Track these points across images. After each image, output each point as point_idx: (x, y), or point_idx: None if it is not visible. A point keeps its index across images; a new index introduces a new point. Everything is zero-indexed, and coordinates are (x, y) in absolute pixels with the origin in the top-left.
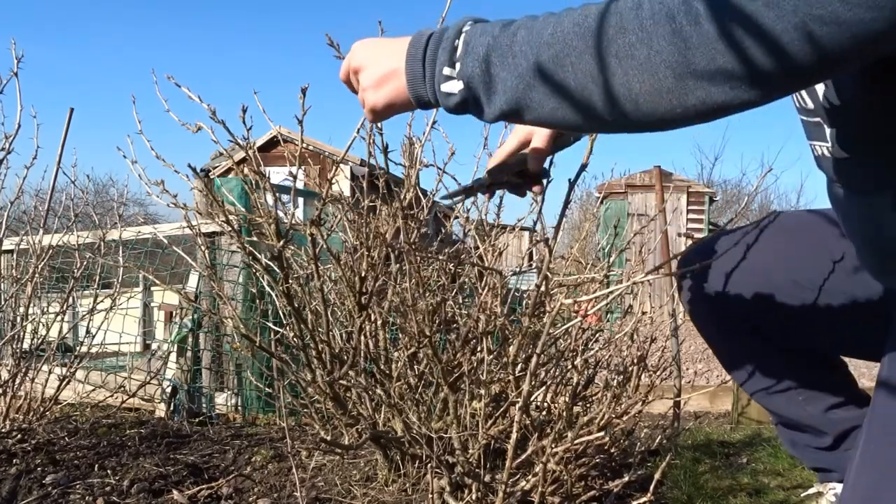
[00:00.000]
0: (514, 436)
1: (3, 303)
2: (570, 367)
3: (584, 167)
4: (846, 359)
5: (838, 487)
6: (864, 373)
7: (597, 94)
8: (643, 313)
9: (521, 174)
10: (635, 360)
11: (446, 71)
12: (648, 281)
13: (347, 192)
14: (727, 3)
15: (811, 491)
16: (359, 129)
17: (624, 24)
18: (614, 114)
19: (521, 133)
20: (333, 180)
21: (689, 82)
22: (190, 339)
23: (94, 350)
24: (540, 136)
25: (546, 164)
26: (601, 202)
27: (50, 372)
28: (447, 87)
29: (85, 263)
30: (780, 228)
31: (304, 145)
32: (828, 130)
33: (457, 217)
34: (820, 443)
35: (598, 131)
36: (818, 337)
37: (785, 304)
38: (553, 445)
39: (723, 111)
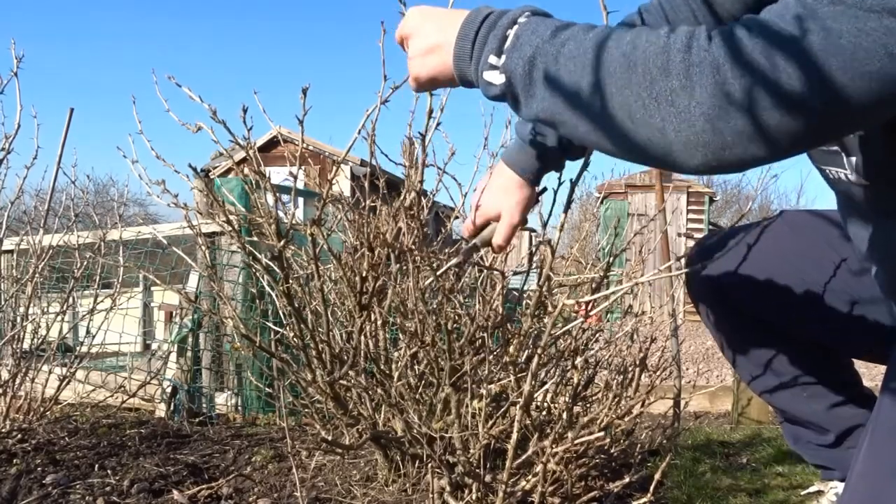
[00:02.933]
0: (514, 436)
1: (3, 303)
2: (570, 367)
3: (585, 166)
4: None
5: (839, 486)
6: (864, 373)
7: (632, 132)
8: (643, 313)
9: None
10: (637, 361)
11: (492, 60)
12: (648, 281)
13: (348, 192)
14: (773, 58)
15: (812, 489)
16: (360, 130)
17: (669, 67)
18: (647, 154)
19: (489, 211)
20: (334, 180)
21: (728, 139)
22: (190, 339)
23: (94, 350)
24: (510, 212)
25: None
26: (601, 202)
27: (50, 372)
28: (490, 76)
29: (85, 263)
30: (788, 226)
31: (305, 145)
32: (847, 158)
33: (457, 217)
34: (822, 440)
35: (632, 161)
36: (825, 336)
37: (793, 301)
38: (553, 446)
39: (759, 163)
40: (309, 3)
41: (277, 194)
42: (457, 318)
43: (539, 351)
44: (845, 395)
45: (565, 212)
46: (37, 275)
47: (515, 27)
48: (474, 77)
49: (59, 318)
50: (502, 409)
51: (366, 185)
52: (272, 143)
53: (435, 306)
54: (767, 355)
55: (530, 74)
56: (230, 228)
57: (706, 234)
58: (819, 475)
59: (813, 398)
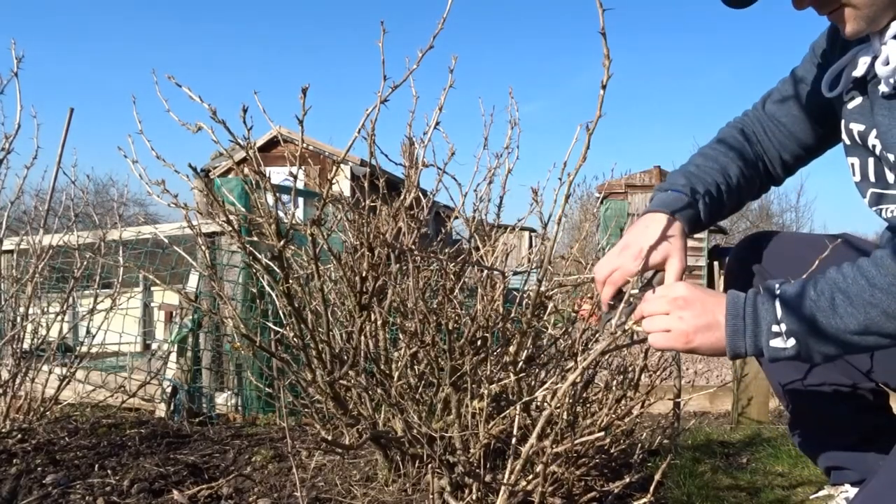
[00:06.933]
0: (516, 436)
1: (3, 303)
2: (570, 367)
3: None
4: None
5: (850, 491)
6: None
7: None
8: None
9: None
10: (637, 361)
11: (774, 328)
12: None
13: (348, 192)
14: None
15: (821, 493)
16: (360, 130)
17: None
18: None
19: (657, 257)
20: (334, 180)
21: None
22: (190, 339)
23: (94, 350)
24: (678, 256)
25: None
26: (601, 202)
27: (50, 372)
28: (776, 342)
29: (85, 263)
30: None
31: (305, 145)
32: None
33: (457, 217)
34: (843, 442)
35: None
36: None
37: None
38: (554, 446)
39: None
40: (309, 3)
41: (277, 194)
42: (457, 318)
43: (554, 351)
44: (874, 401)
45: (563, 206)
46: (37, 275)
47: (777, 299)
48: (751, 347)
49: (59, 318)
50: (505, 412)
51: (366, 185)
52: (272, 143)
53: (435, 306)
54: None
55: (817, 330)
56: (230, 228)
57: (756, 233)
58: (825, 478)
59: (842, 398)
